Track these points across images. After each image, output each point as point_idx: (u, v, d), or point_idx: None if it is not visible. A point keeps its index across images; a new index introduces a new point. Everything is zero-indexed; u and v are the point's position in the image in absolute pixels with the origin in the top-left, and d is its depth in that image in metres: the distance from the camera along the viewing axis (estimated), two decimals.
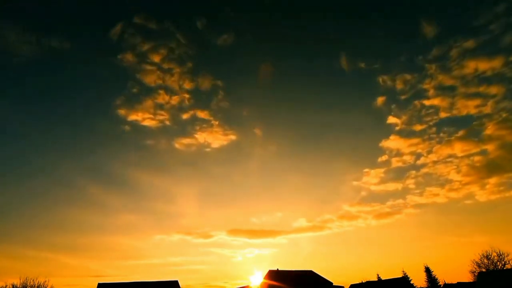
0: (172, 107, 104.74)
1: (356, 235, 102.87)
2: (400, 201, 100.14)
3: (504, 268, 47.00)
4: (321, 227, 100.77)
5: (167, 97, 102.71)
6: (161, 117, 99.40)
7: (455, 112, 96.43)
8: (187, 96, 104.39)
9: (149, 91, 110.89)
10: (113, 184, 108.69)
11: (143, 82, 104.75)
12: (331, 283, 53.52)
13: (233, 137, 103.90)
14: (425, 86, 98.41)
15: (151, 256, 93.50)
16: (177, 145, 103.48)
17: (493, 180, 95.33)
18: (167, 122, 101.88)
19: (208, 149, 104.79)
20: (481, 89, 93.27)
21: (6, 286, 39.02)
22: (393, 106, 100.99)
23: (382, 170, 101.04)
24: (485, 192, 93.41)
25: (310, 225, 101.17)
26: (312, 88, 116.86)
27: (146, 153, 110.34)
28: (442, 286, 61.93)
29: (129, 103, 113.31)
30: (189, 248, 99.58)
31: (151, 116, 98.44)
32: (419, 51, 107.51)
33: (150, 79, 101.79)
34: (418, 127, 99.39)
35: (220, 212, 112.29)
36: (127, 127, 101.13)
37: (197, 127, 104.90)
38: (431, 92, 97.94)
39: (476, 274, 47.33)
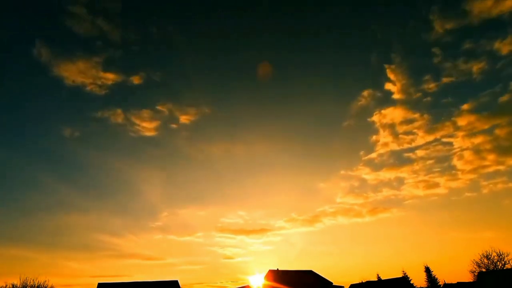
0: (118, 68, 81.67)
1: (353, 231, 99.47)
2: (396, 191, 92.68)
3: (504, 268, 46.97)
4: (313, 221, 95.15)
5: (108, 53, 78.87)
6: (107, 82, 77.03)
7: (456, 77, 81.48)
8: (135, 48, 79.17)
9: (82, 44, 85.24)
10: (52, 163, 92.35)
11: (72, 31, 78.54)
12: (331, 283, 53.44)
13: (207, 110, 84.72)
14: (422, 41, 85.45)
15: (140, 256, 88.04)
16: (134, 119, 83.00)
17: (500, 168, 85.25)
18: (116, 89, 79.12)
19: (175, 125, 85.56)
20: (496, 45, 76.71)
21: (6, 286, 38.92)
22: (386, 66, 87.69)
23: (375, 154, 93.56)
24: (490, 182, 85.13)
25: (301, 219, 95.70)
26: (297, 48, 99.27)
27: (96, 129, 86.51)
28: (442, 286, 61.82)
29: (61, 61, 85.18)
30: (174, 247, 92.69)
31: (95, 80, 75.67)
32: None
33: (81, 28, 75.47)
34: (414, 95, 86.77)
35: (205, 206, 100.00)
36: (65, 93, 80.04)
37: (159, 97, 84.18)
38: (431, 49, 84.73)
39: (476, 274, 47.37)
